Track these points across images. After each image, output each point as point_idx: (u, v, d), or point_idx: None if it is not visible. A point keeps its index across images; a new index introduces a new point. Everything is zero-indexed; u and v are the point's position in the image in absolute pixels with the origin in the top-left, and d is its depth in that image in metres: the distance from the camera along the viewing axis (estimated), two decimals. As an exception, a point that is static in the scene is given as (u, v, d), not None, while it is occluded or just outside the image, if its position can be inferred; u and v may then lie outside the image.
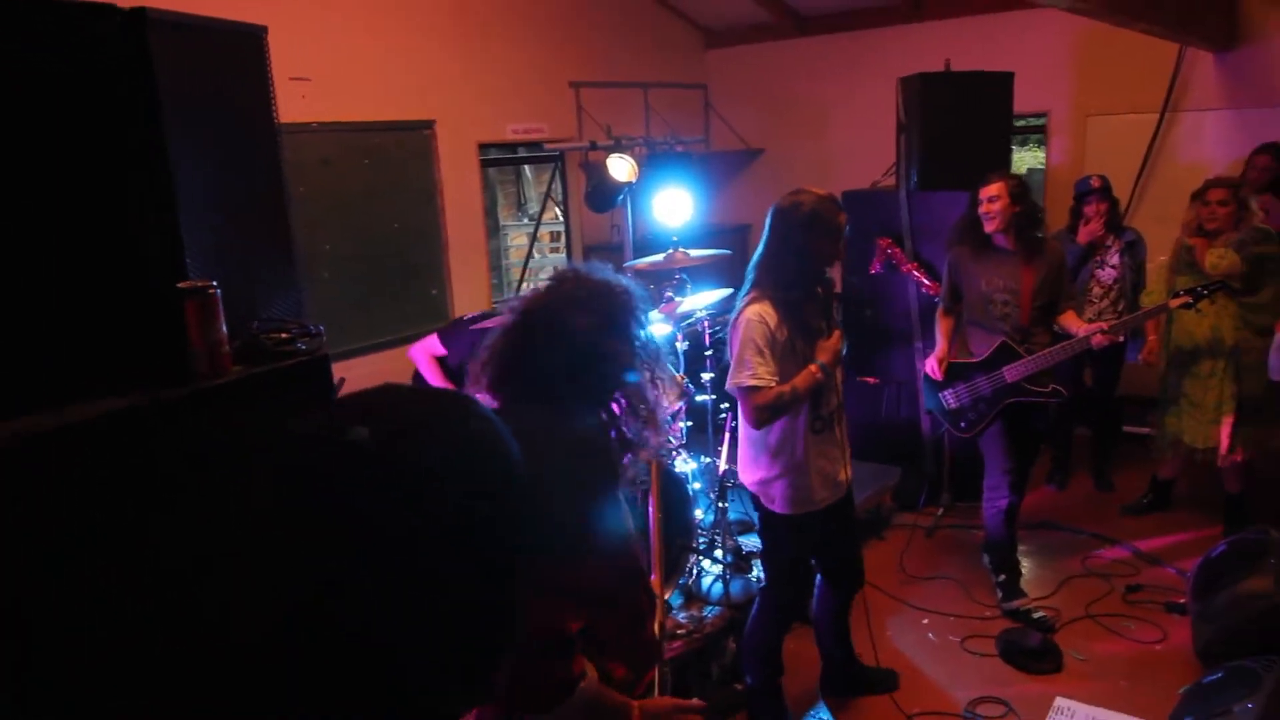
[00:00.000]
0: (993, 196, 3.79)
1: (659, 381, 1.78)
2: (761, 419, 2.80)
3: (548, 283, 1.74)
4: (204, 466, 1.41)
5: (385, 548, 0.62)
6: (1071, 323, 3.88)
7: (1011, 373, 3.84)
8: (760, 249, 2.90)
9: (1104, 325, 3.84)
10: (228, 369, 1.63)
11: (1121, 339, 4.23)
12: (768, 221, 2.88)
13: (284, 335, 1.72)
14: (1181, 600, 3.88)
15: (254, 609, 0.65)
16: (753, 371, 2.75)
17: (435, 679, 0.66)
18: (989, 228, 3.83)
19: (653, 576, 2.09)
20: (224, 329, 1.62)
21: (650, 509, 2.23)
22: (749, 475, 3.04)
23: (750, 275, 2.92)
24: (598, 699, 1.62)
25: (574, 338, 1.62)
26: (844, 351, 2.92)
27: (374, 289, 5.20)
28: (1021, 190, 3.82)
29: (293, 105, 4.64)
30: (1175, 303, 3.88)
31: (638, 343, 1.72)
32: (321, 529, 0.62)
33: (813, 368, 2.81)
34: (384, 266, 5.25)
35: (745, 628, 3.35)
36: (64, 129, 1.50)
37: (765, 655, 3.29)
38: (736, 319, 2.84)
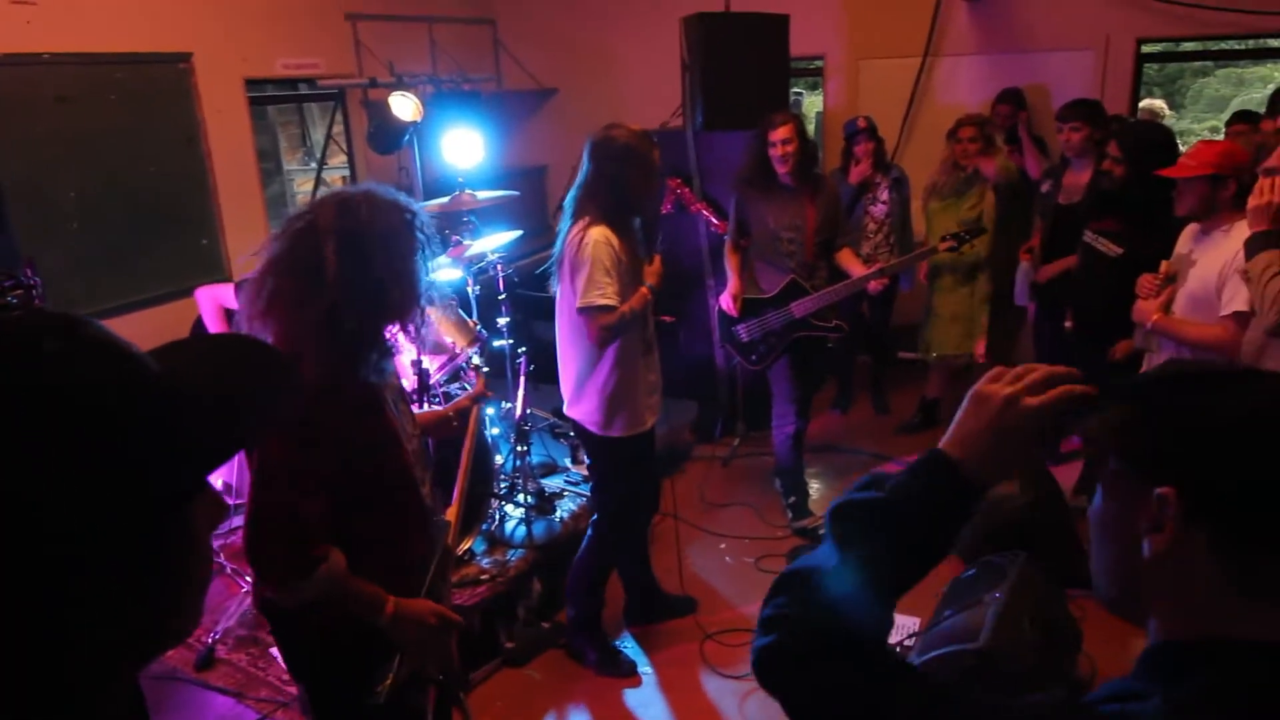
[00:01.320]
0: (785, 139, 3.90)
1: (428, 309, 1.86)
2: (605, 339, 2.92)
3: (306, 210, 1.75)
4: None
5: None
6: (849, 261, 4.11)
7: (799, 308, 4.03)
8: (578, 181, 2.99)
9: (880, 266, 4.11)
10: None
11: (896, 266, 4.60)
12: (585, 155, 2.97)
13: (-9, 289, 1.52)
14: (945, 507, 4.27)
15: None
16: (603, 291, 2.84)
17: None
18: (782, 169, 3.94)
19: (450, 504, 2.13)
20: (-91, 284, 1.40)
21: (464, 450, 2.26)
22: (584, 406, 3.10)
23: (570, 206, 2.99)
24: (345, 585, 1.70)
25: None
26: (663, 274, 3.12)
27: (135, 241, 4.71)
28: (804, 130, 3.99)
29: (15, 32, 4.09)
30: (943, 245, 4.19)
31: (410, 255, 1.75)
32: None
33: (644, 289, 2.98)
34: (144, 216, 4.75)
35: (573, 562, 3.37)
36: None
37: (591, 587, 3.36)
38: (580, 241, 2.89)
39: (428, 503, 1.94)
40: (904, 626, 3.49)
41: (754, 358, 4.25)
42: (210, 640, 3.25)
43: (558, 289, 3.05)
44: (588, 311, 2.88)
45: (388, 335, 1.80)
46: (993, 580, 3.02)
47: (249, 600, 3.34)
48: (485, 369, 3.02)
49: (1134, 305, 3.10)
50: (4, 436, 0.58)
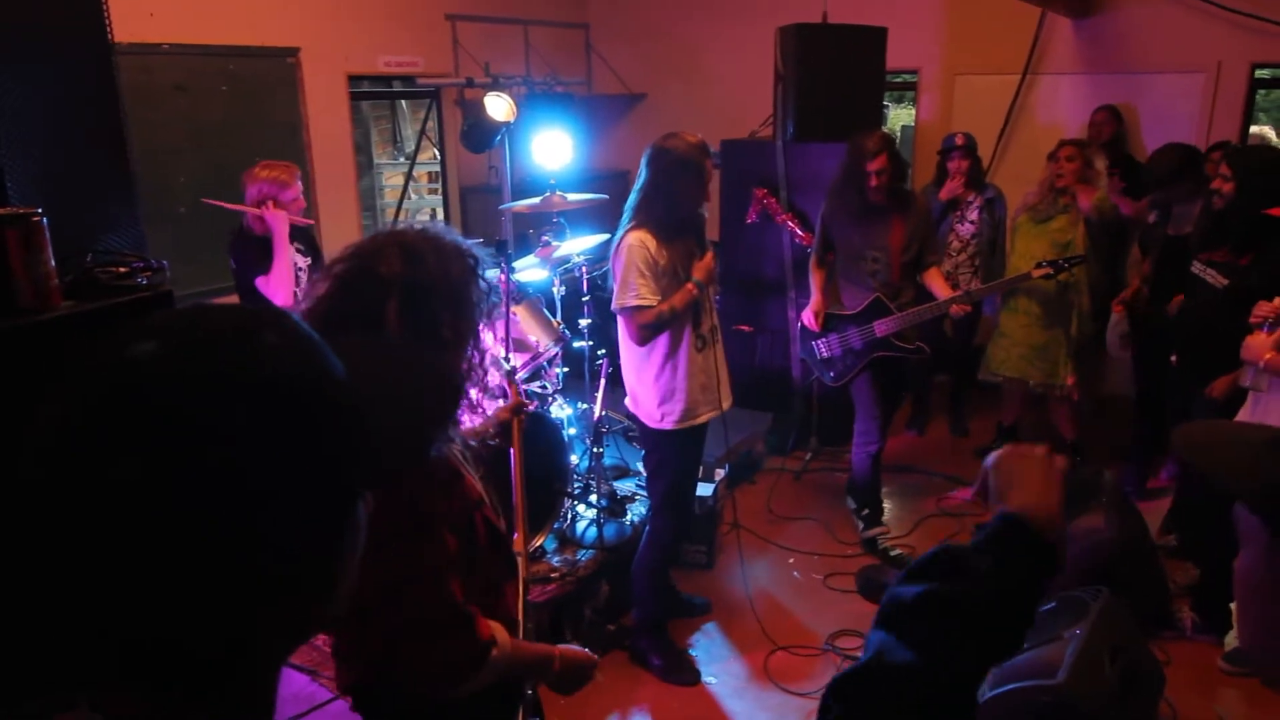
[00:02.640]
0: (880, 170, 3.85)
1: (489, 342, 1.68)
2: (644, 336, 3.02)
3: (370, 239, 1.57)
4: (28, 402, 1.30)
5: (164, 462, 0.59)
6: (935, 282, 4.04)
7: (881, 327, 3.99)
8: (635, 187, 3.09)
9: (967, 290, 4.03)
10: (56, 303, 1.50)
11: (984, 291, 4.50)
12: (643, 162, 3.07)
13: (122, 270, 1.60)
14: (1023, 537, 4.15)
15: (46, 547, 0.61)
16: (636, 292, 2.95)
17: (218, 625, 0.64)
18: (875, 197, 3.91)
19: (515, 535, 2.07)
20: (52, 261, 1.49)
21: (513, 466, 2.20)
22: (639, 399, 3.22)
23: (627, 212, 3.09)
24: (515, 657, 1.59)
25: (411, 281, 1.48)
26: (716, 270, 3.16)
27: (233, 228, 4.89)
28: (895, 148, 3.94)
29: (139, 23, 4.30)
30: (1038, 273, 4.09)
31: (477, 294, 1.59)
32: (101, 447, 0.59)
33: (689, 285, 3.03)
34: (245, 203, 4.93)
35: (633, 563, 3.42)
36: None
37: (655, 586, 3.40)
38: (619, 246, 3.03)
39: (511, 550, 1.82)
40: (976, 656, 3.42)
41: (832, 374, 4.21)
42: (289, 617, 3.36)
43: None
44: (624, 312, 3.02)
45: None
46: (1074, 615, 2.93)
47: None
48: (510, 368, 2.99)
49: (1244, 341, 2.97)
50: (235, 421, 0.61)
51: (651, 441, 3.27)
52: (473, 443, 1.79)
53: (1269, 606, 0.79)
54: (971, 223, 5.03)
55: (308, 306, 1.50)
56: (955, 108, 6.12)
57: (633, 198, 3.08)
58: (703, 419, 3.21)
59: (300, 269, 3.72)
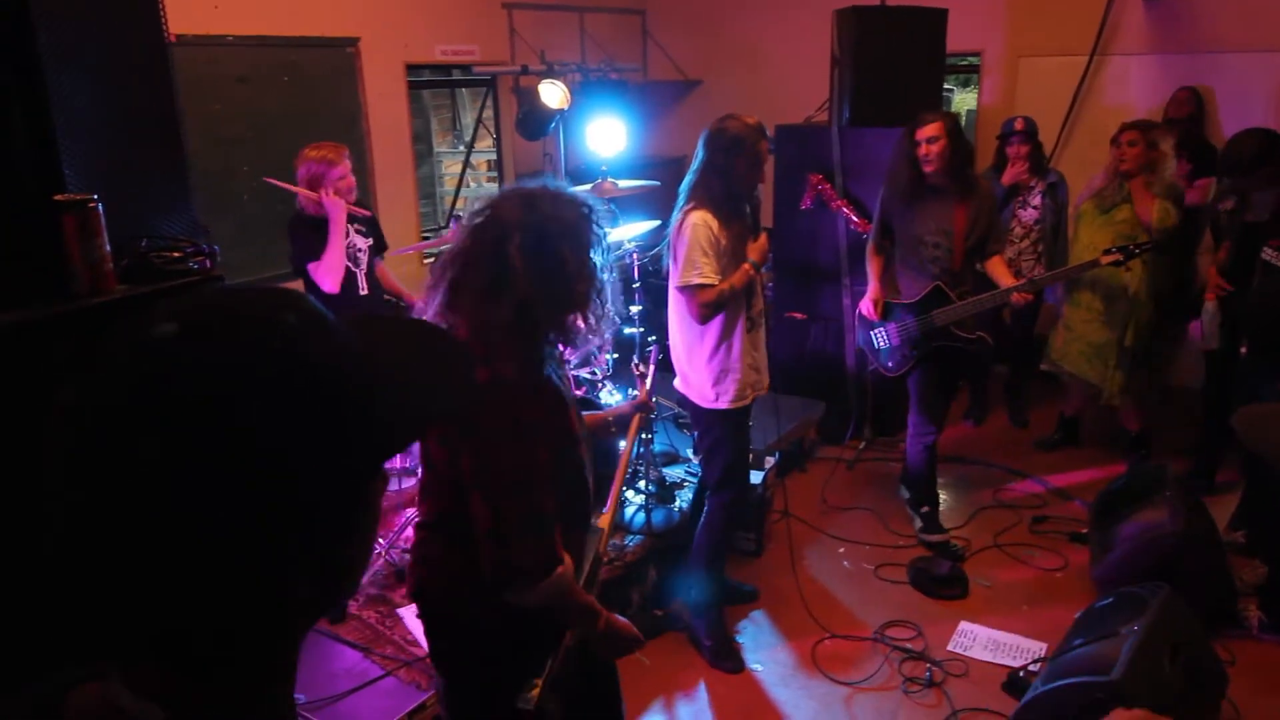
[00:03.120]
0: (931, 138, 3.73)
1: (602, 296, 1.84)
2: (706, 315, 3.04)
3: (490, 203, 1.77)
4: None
5: (184, 442, 0.60)
6: (998, 270, 3.93)
7: (940, 317, 3.87)
8: (691, 168, 3.12)
9: (1030, 278, 3.91)
10: (111, 287, 1.56)
11: (1048, 280, 4.36)
12: (700, 143, 3.10)
13: (175, 254, 1.65)
14: (1084, 530, 4.06)
15: (71, 527, 0.63)
16: (700, 270, 2.98)
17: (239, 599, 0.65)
18: (928, 169, 3.79)
19: (605, 511, 2.17)
20: (107, 245, 1.54)
21: (621, 456, 2.30)
22: (691, 380, 3.24)
23: (683, 193, 3.13)
24: (572, 591, 1.74)
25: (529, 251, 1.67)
26: (769, 251, 3.18)
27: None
28: (957, 129, 3.80)
29: (205, 15, 4.41)
30: (1106, 259, 3.92)
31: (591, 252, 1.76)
32: (125, 428, 0.61)
33: (746, 265, 3.06)
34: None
35: (693, 545, 3.42)
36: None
37: (714, 567, 3.41)
38: (680, 225, 3.06)
39: (591, 507, 1.96)
40: (1028, 651, 3.35)
41: (890, 364, 4.12)
42: (344, 595, 3.44)
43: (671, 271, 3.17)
44: (686, 290, 3.03)
45: (569, 328, 1.80)
46: (1132, 611, 2.85)
47: (380, 561, 3.52)
48: (643, 369, 3.08)
49: None
50: (255, 401, 0.63)
51: (706, 422, 3.28)
52: (577, 392, 1.93)
53: None
54: (1034, 208, 4.90)
55: (446, 252, 1.73)
56: (1019, 91, 5.96)
57: (689, 178, 3.11)
58: (750, 399, 3.24)
59: (360, 250, 3.79)
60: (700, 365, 3.18)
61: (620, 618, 1.90)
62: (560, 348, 1.86)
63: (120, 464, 0.61)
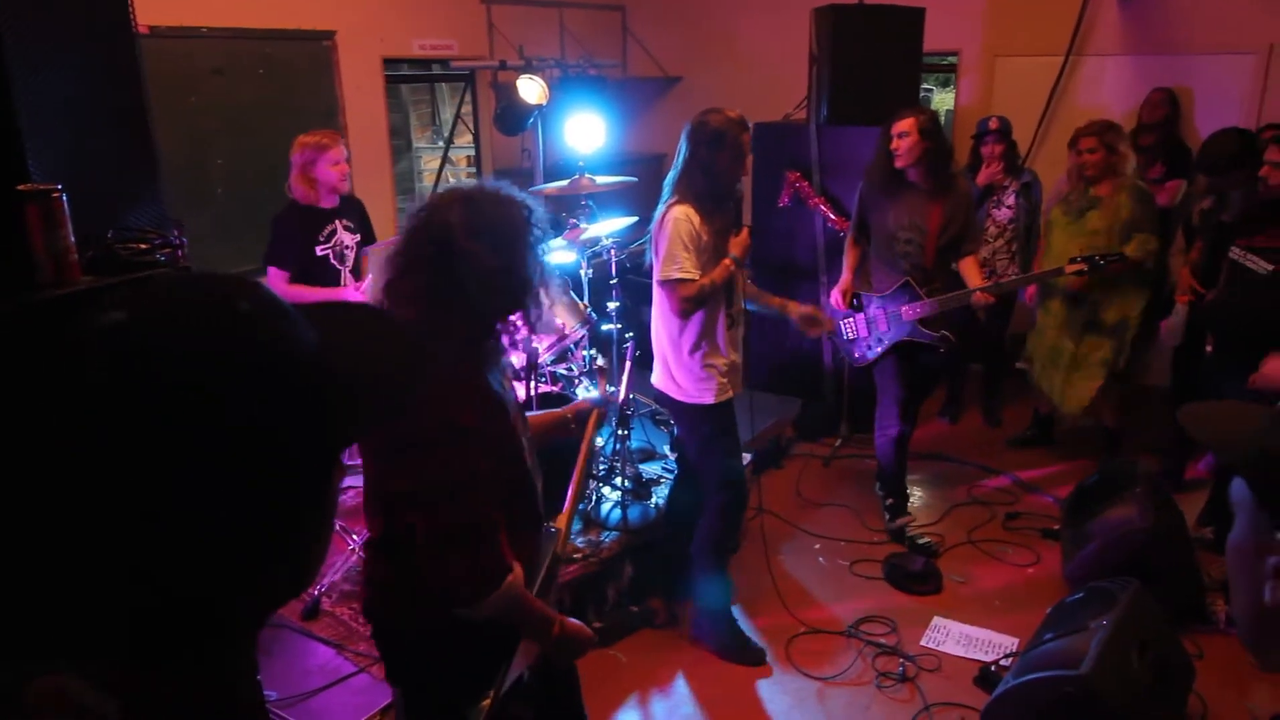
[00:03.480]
0: (903, 132, 3.79)
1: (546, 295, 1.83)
2: (687, 310, 3.04)
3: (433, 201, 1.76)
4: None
5: (142, 429, 0.60)
6: (969, 270, 3.98)
7: (908, 311, 3.92)
8: (675, 164, 3.12)
9: (995, 281, 3.94)
10: (76, 278, 1.54)
11: (1009, 284, 4.37)
12: (682, 137, 3.10)
13: (142, 246, 1.63)
14: (1056, 527, 4.10)
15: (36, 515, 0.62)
16: (680, 265, 2.97)
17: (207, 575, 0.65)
18: (898, 164, 3.84)
19: (562, 511, 2.14)
20: (71, 236, 1.53)
21: (579, 458, 2.26)
22: (674, 380, 3.21)
23: (667, 187, 3.12)
24: (525, 600, 1.72)
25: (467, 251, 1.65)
26: (750, 247, 3.16)
27: (272, 209, 4.97)
28: (933, 127, 3.84)
29: (179, 7, 4.36)
30: (1071, 268, 3.97)
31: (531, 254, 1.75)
32: (80, 415, 0.60)
33: (727, 261, 3.06)
34: (282, 185, 5.01)
35: (693, 547, 3.38)
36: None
37: (719, 566, 3.39)
38: (662, 219, 3.05)
39: (541, 509, 1.94)
40: (1000, 646, 3.38)
41: (856, 355, 4.18)
42: (317, 593, 3.42)
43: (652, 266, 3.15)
44: (666, 284, 3.02)
45: (508, 326, 1.79)
46: (1102, 606, 2.88)
47: (354, 557, 3.50)
48: (602, 364, 3.08)
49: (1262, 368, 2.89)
50: (212, 385, 0.62)
51: (690, 420, 3.26)
52: (519, 394, 1.89)
53: (1248, 578, 0.77)
54: (1009, 208, 4.94)
55: (385, 254, 1.69)
56: (996, 90, 6.00)
57: (672, 173, 3.11)
58: (730, 395, 3.24)
59: (347, 247, 3.80)
60: (683, 361, 3.17)
61: (573, 620, 1.87)
62: (504, 348, 1.83)
63: (80, 454, 0.61)
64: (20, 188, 1.48)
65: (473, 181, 1.79)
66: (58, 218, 1.50)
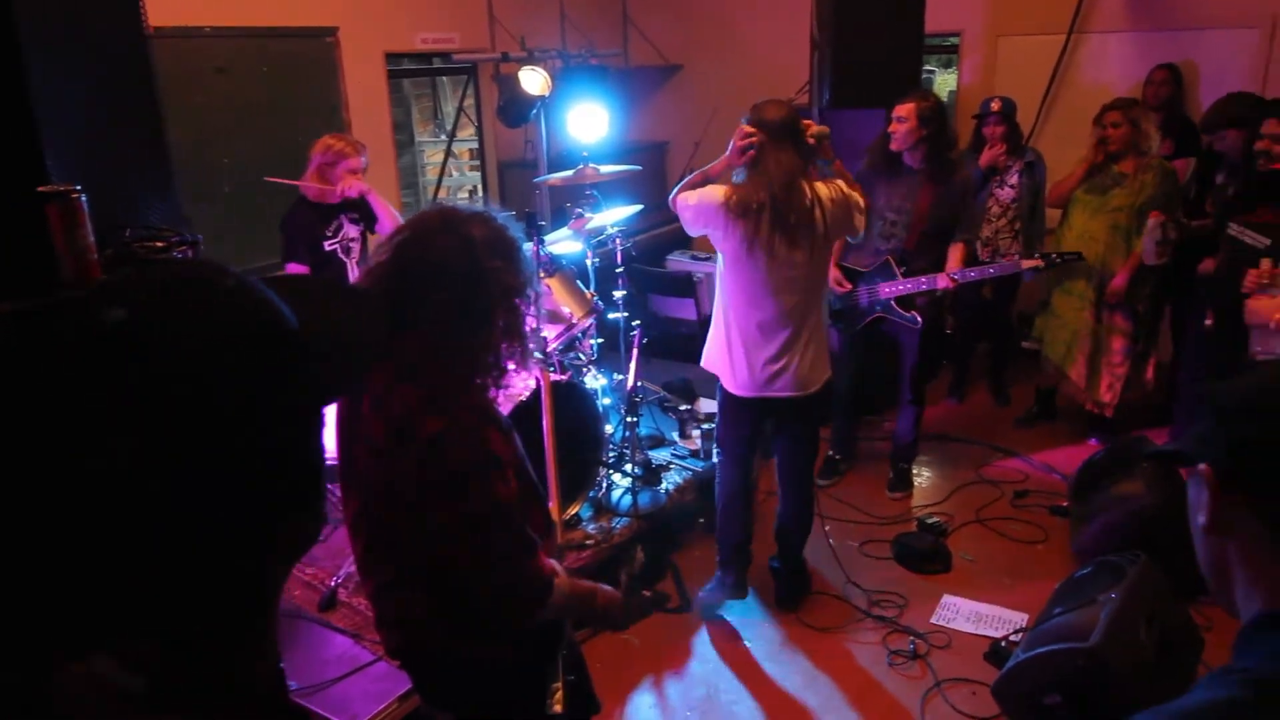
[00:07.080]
0: (901, 117, 3.86)
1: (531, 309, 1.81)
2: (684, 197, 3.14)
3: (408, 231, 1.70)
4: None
5: (143, 424, 0.63)
6: (951, 255, 4.04)
7: (885, 289, 4.03)
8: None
9: (962, 271, 3.98)
10: (96, 277, 1.58)
11: (972, 275, 4.34)
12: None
13: (159, 244, 1.67)
14: (1064, 504, 4.12)
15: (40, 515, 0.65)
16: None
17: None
18: (893, 146, 3.93)
19: (550, 503, 2.18)
20: (91, 236, 1.56)
21: (545, 436, 2.29)
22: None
23: None
24: (573, 587, 1.78)
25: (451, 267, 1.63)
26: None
27: (279, 206, 5.01)
28: (932, 113, 3.87)
29: (182, 6, 4.38)
30: (1027, 264, 4.15)
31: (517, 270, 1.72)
32: (86, 414, 0.62)
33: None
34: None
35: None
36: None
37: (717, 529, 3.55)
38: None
39: (550, 516, 1.98)
40: (1010, 621, 3.41)
41: (841, 325, 4.31)
42: (334, 583, 3.46)
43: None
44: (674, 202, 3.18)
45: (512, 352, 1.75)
46: (1109, 580, 2.91)
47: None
48: (600, 339, 3.11)
49: (1247, 305, 2.91)
50: (208, 361, 0.65)
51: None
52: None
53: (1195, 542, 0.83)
54: (1011, 187, 4.94)
55: (370, 277, 1.65)
56: (998, 70, 5.99)
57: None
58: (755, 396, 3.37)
59: (352, 240, 3.88)
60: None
61: (606, 588, 1.93)
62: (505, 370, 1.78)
63: (99, 450, 0.63)
64: (41, 189, 1.52)
65: (464, 205, 1.75)
66: (78, 218, 1.54)
